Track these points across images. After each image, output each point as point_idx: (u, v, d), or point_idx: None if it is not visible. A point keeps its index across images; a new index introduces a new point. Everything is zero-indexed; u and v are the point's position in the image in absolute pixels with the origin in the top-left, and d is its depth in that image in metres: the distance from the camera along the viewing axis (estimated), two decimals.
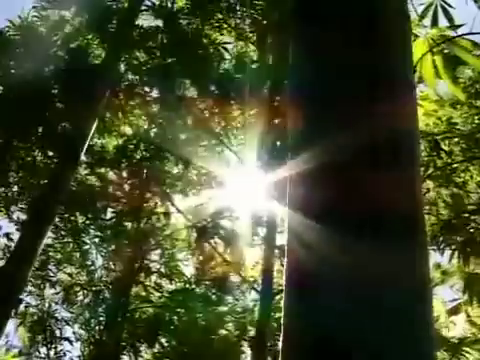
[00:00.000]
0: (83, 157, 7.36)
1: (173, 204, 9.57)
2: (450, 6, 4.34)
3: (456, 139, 7.68)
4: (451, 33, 3.13)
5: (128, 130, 9.74)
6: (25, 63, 9.01)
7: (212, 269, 9.44)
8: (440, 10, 4.14)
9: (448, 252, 8.17)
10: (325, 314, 1.47)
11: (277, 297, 7.61)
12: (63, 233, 9.53)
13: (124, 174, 9.54)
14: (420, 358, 1.44)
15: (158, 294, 9.55)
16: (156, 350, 9.26)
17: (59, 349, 9.52)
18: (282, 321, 1.59)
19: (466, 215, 7.88)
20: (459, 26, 3.22)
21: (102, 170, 9.57)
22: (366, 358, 1.40)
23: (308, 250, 1.57)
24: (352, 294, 1.46)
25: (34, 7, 9.33)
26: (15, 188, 9.33)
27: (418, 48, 2.88)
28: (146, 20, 9.30)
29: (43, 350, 9.66)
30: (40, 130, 9.01)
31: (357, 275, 1.47)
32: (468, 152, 7.73)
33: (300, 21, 1.93)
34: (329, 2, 1.85)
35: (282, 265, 7.43)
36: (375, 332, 1.43)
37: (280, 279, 7.77)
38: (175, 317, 8.99)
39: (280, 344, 1.56)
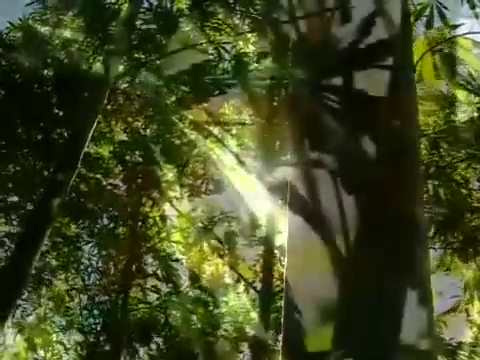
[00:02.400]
0: (82, 159, 7.30)
1: (172, 205, 9.56)
2: (445, 8, 4.34)
3: (455, 137, 7.66)
4: (450, 33, 3.13)
5: (126, 133, 9.70)
6: (23, 66, 8.98)
7: (210, 270, 9.43)
8: (435, 11, 4.14)
9: (448, 250, 8.17)
10: (325, 313, 1.47)
11: (276, 297, 7.61)
12: (60, 238, 9.48)
13: (121, 178, 9.50)
14: (421, 357, 1.45)
15: (155, 296, 9.52)
16: (152, 352, 9.24)
17: (55, 352, 9.49)
18: (282, 321, 1.59)
19: (467, 213, 7.86)
20: (458, 26, 3.23)
21: (99, 176, 9.50)
22: (366, 357, 1.41)
23: (308, 250, 1.57)
24: (352, 293, 1.46)
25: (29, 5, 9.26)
26: (13, 193, 9.26)
27: (418, 48, 2.88)
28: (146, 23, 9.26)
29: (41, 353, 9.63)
30: (38, 135, 8.96)
31: (358, 274, 1.48)
32: (468, 149, 7.70)
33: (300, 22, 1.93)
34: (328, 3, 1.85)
35: (282, 265, 7.44)
36: (375, 332, 1.43)
37: (279, 279, 7.77)
38: (172, 318, 8.98)
39: (280, 344, 1.56)
